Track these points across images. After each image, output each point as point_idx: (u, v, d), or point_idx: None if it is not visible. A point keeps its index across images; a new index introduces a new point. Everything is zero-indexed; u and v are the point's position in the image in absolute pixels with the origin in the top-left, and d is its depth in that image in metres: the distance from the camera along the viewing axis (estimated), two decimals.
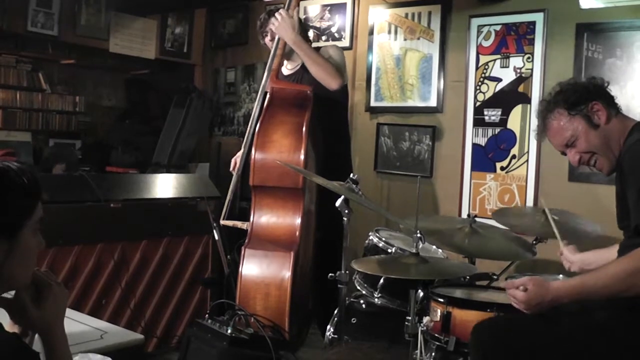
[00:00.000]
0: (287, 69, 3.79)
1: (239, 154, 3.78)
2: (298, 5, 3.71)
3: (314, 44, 3.96)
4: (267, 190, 3.32)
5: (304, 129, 3.31)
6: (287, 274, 3.17)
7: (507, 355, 2.12)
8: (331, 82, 3.53)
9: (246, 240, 3.32)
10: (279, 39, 3.57)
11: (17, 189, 1.34)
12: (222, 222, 3.60)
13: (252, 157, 3.32)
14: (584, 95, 2.27)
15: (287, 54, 3.69)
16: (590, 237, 3.03)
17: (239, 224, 3.50)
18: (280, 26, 3.52)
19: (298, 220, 3.28)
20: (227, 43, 6.21)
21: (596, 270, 2.11)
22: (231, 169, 3.78)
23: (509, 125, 4.19)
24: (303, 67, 3.71)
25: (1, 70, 6.70)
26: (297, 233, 3.27)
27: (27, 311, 1.39)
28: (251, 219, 3.35)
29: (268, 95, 3.47)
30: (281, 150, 3.29)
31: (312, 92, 3.43)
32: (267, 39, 3.82)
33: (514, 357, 2.12)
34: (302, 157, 3.26)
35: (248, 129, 3.61)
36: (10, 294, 1.41)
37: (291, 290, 3.16)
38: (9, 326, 1.41)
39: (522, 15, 4.13)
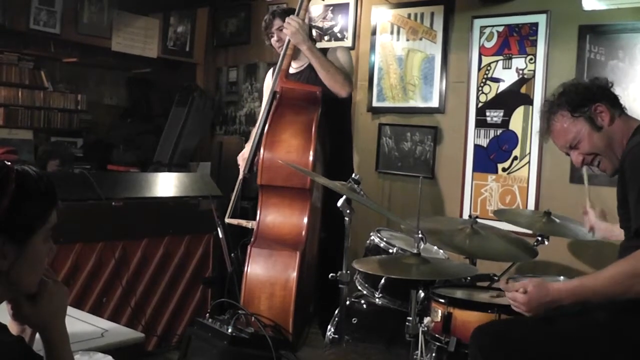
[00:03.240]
0: (292, 67, 3.79)
1: (244, 152, 3.77)
2: (307, 9, 3.72)
3: (317, 44, 3.96)
4: (275, 189, 3.31)
5: (313, 129, 3.31)
6: (293, 274, 3.16)
7: (506, 358, 2.12)
8: (341, 91, 3.58)
9: (252, 239, 3.32)
10: (289, 40, 3.58)
11: (34, 194, 1.34)
12: (227, 220, 3.60)
13: (261, 156, 3.32)
14: (587, 97, 2.26)
15: (294, 54, 3.69)
16: (590, 240, 3.02)
17: (244, 222, 3.51)
18: (295, 34, 3.54)
19: (305, 220, 3.28)
20: (229, 42, 6.21)
21: (596, 273, 2.11)
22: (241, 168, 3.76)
23: (511, 127, 4.18)
24: (309, 67, 3.72)
25: (3, 68, 6.71)
26: (304, 233, 3.27)
27: (21, 307, 1.40)
28: (257, 217, 3.35)
29: (277, 95, 3.48)
30: (290, 150, 3.29)
31: (321, 93, 3.43)
32: (274, 40, 3.84)
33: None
34: (310, 157, 3.26)
35: (255, 128, 3.61)
36: None
37: (296, 291, 3.16)
38: (10, 325, 1.42)
39: (525, 17, 4.13)
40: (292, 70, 3.78)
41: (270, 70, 4.00)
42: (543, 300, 2.05)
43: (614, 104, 2.27)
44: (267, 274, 3.20)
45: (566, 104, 2.28)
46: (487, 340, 2.16)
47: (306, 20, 3.66)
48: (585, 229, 2.74)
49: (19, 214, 1.30)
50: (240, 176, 3.66)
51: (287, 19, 3.59)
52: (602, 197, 3.65)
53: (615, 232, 2.55)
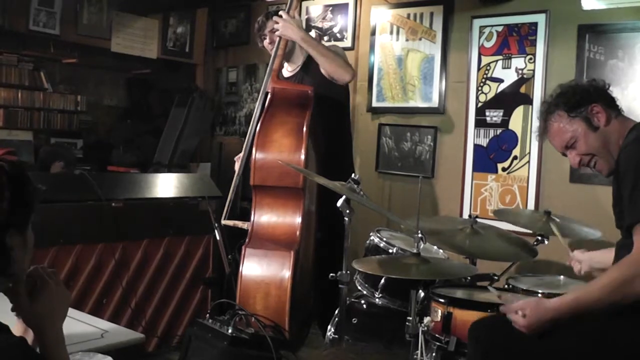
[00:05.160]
0: (287, 70, 3.80)
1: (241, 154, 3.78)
2: (299, 5, 3.71)
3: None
4: (268, 189, 3.32)
5: (304, 129, 3.31)
6: (287, 273, 3.17)
7: (505, 352, 2.13)
8: (344, 74, 3.53)
9: (247, 240, 3.32)
10: (280, 38, 3.57)
11: (29, 183, 1.39)
12: (223, 222, 3.60)
13: (253, 156, 3.32)
14: (584, 98, 2.29)
15: (287, 56, 3.69)
16: (590, 240, 3.03)
17: (239, 223, 3.50)
18: (285, 28, 3.52)
19: (298, 220, 3.29)
20: (228, 43, 6.21)
21: (588, 284, 2.12)
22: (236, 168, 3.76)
23: (511, 126, 4.18)
24: (303, 69, 3.72)
25: (3, 69, 6.72)
26: (298, 232, 3.27)
27: (20, 303, 1.41)
28: (252, 218, 3.35)
29: (269, 96, 3.48)
30: (281, 150, 3.30)
31: (312, 93, 3.43)
32: (266, 42, 3.82)
33: (512, 354, 2.13)
34: (302, 157, 3.26)
35: (249, 129, 3.61)
36: None
37: (291, 290, 3.16)
38: (16, 326, 1.42)
39: (524, 17, 4.13)
40: (286, 74, 3.77)
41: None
42: (542, 320, 2.05)
43: (611, 104, 2.30)
44: (262, 273, 3.20)
45: (563, 105, 2.31)
46: (485, 333, 2.17)
47: (296, 17, 3.63)
48: (576, 272, 2.72)
49: (23, 205, 1.36)
50: (235, 179, 3.65)
51: (274, 18, 3.58)
52: (601, 196, 3.66)
53: (597, 259, 2.56)
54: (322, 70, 3.57)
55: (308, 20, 5.32)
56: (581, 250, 2.70)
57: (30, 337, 1.43)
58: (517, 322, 2.10)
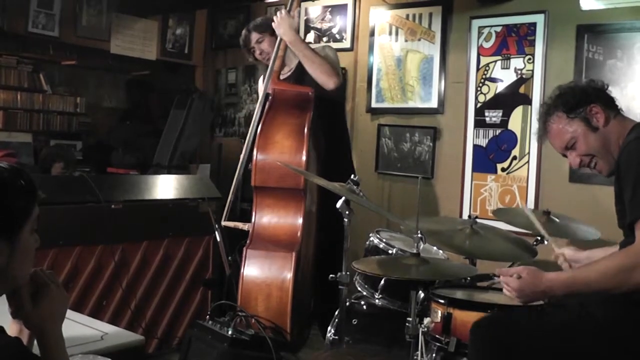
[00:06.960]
0: (281, 73, 3.77)
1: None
2: (299, 6, 3.72)
3: (315, 45, 3.96)
4: (269, 191, 3.32)
5: (305, 130, 3.31)
6: (289, 274, 3.17)
7: (506, 352, 2.14)
8: (328, 81, 3.53)
9: (248, 241, 3.33)
10: (280, 40, 3.58)
11: (16, 190, 1.36)
12: (223, 223, 3.59)
13: (254, 158, 3.32)
14: (583, 98, 2.29)
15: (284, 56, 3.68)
16: (590, 240, 3.02)
17: (240, 225, 3.50)
18: (279, 24, 3.55)
19: (299, 221, 3.29)
20: (228, 44, 6.21)
21: (590, 265, 2.15)
22: None
23: (510, 127, 4.19)
24: (296, 72, 3.72)
25: (2, 71, 6.70)
26: (299, 234, 3.27)
27: (23, 306, 1.41)
28: (252, 219, 3.35)
29: (269, 97, 3.48)
30: (282, 151, 3.30)
31: (313, 93, 3.43)
32: (257, 54, 3.84)
33: (513, 354, 2.13)
34: (303, 158, 3.27)
35: (250, 130, 3.62)
36: None
37: (293, 291, 3.16)
38: (11, 330, 1.43)
39: (523, 17, 4.13)
40: (281, 77, 3.77)
41: (262, 76, 4.01)
42: (535, 289, 2.10)
43: (609, 105, 2.30)
44: (263, 275, 3.21)
45: (562, 106, 2.32)
46: (486, 334, 2.18)
47: (296, 18, 3.65)
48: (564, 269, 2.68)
49: (5, 212, 1.33)
50: (236, 180, 3.64)
51: (277, 13, 3.60)
52: (601, 196, 3.66)
53: (595, 258, 2.53)
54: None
55: (307, 21, 5.32)
56: (572, 247, 2.66)
57: (25, 337, 1.44)
58: (510, 284, 2.13)
